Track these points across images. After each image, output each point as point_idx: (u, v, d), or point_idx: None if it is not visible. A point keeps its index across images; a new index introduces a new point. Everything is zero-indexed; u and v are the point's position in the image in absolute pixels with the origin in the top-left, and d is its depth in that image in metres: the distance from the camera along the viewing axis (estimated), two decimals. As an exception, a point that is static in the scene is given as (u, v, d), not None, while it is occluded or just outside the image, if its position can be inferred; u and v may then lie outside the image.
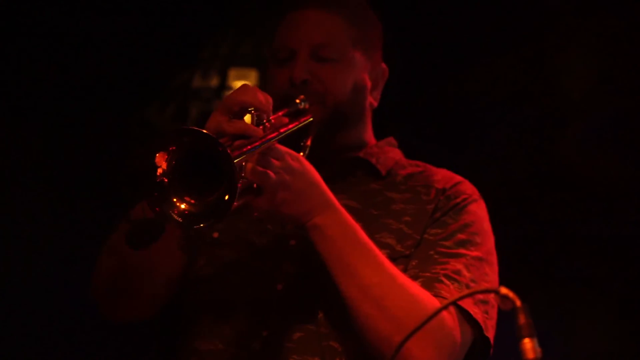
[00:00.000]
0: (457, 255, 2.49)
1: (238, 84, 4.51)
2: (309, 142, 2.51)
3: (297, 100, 2.51)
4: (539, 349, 1.71)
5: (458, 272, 2.45)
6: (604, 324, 5.18)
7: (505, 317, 1.81)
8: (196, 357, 2.53)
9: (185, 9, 4.43)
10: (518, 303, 1.72)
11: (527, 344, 1.70)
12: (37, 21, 4.61)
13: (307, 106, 2.52)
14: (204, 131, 2.17)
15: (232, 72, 4.58)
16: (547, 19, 4.82)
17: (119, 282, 2.52)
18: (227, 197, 2.13)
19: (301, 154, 2.45)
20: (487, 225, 2.62)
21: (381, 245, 2.45)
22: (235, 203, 2.16)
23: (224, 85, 4.61)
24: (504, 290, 1.75)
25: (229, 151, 2.12)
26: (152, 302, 2.57)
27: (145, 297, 2.56)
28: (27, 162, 4.69)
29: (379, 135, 2.77)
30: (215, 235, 2.59)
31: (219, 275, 2.57)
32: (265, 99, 2.33)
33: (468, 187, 2.64)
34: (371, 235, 2.43)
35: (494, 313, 2.48)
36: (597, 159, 4.94)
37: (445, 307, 2.25)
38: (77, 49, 4.55)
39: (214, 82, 4.65)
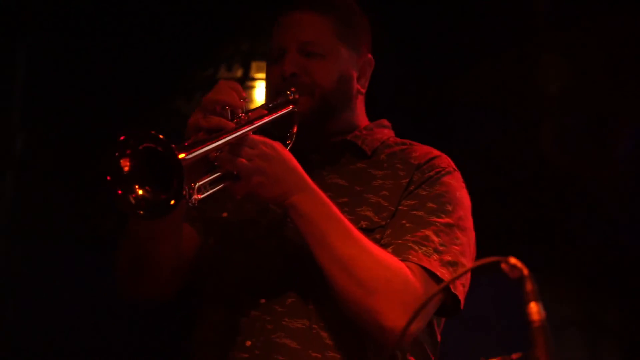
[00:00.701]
0: (427, 223, 2.47)
1: (259, 74, 4.59)
2: (294, 130, 2.53)
3: (288, 92, 2.52)
4: (543, 312, 1.75)
5: (426, 238, 2.43)
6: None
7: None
8: (203, 326, 2.58)
9: (211, 10, 4.43)
10: (525, 271, 1.76)
11: (534, 307, 1.73)
12: (72, 17, 4.58)
13: (297, 97, 2.53)
14: (152, 132, 2.17)
15: (254, 65, 4.59)
16: (529, 27, 4.81)
17: (136, 264, 2.52)
18: (178, 192, 2.15)
19: (288, 142, 2.49)
20: (460, 194, 2.58)
21: (361, 218, 2.48)
22: (211, 190, 2.24)
23: (247, 76, 4.60)
24: (512, 260, 1.77)
25: (175, 152, 2.12)
26: (168, 282, 2.58)
27: (161, 278, 2.56)
28: (56, 155, 4.63)
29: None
30: (225, 215, 2.62)
31: (227, 254, 2.60)
32: (238, 95, 2.37)
33: (443, 161, 2.61)
34: (353, 209, 2.48)
35: (467, 275, 2.45)
36: (571, 151, 4.98)
37: (445, 285, 2.28)
38: (112, 43, 4.52)
39: (238, 73, 4.66)
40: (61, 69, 4.51)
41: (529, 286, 1.76)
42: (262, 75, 4.50)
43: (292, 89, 2.52)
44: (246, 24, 4.63)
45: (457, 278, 1.77)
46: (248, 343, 2.46)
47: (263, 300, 2.49)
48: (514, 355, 1.72)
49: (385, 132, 2.73)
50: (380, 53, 2.78)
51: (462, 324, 4.81)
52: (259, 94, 4.69)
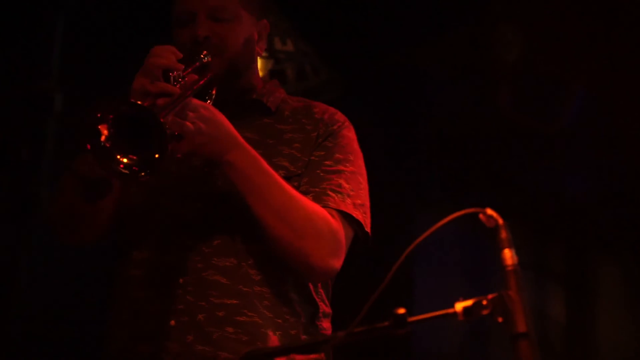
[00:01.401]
0: (337, 172, 2.60)
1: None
2: (214, 92, 2.54)
3: (202, 55, 2.54)
4: (515, 257, 1.78)
5: (339, 185, 2.56)
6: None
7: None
8: (133, 265, 2.57)
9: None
10: (500, 221, 1.80)
11: (507, 253, 1.77)
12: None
13: (209, 59, 2.55)
14: (138, 102, 2.24)
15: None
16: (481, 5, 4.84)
17: (71, 215, 2.57)
18: (161, 150, 2.21)
19: (208, 102, 2.51)
20: (356, 146, 2.71)
21: (278, 167, 2.54)
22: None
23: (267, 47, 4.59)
24: (489, 211, 1.81)
25: (158, 116, 2.19)
26: (98, 228, 2.59)
27: (93, 223, 2.59)
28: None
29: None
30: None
31: (148, 199, 2.61)
32: (176, 58, 2.41)
33: (340, 116, 2.73)
34: (269, 160, 2.52)
35: (369, 212, 2.63)
36: (525, 110, 5.01)
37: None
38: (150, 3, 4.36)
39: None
40: (99, 29, 4.27)
41: (503, 234, 1.80)
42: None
43: (205, 52, 2.54)
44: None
45: (425, 236, 1.78)
46: (181, 280, 2.49)
47: (190, 242, 2.52)
48: (490, 296, 1.76)
49: (281, 90, 2.82)
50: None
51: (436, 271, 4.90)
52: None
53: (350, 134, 2.70)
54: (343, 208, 2.55)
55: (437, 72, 5.15)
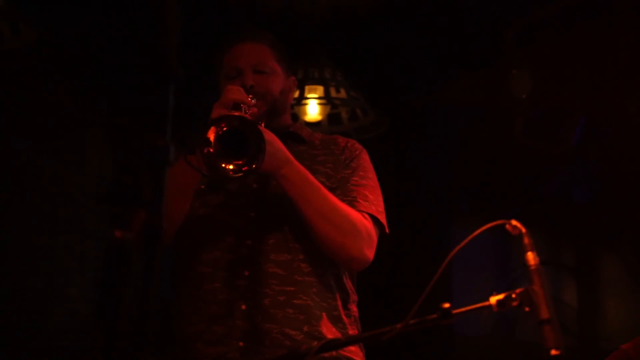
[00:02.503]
0: (362, 185, 2.66)
1: (310, 94, 4.61)
2: (262, 124, 2.55)
3: (249, 98, 2.55)
4: (537, 258, 1.79)
5: (366, 195, 2.62)
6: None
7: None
8: (202, 264, 2.58)
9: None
10: (523, 230, 1.81)
11: (530, 255, 1.78)
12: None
13: (255, 102, 2.57)
14: (247, 117, 2.34)
15: (306, 88, 4.57)
16: (501, 49, 4.82)
17: (173, 200, 2.54)
18: (257, 156, 2.29)
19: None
20: (372, 166, 2.76)
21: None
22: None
23: (302, 96, 4.58)
24: (514, 222, 1.83)
25: (260, 128, 2.30)
26: (173, 232, 2.59)
27: (170, 229, 2.57)
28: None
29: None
30: (202, 187, 2.63)
31: (209, 212, 2.63)
32: (246, 96, 2.49)
33: (359, 145, 2.79)
34: None
35: (385, 219, 2.67)
36: (537, 138, 4.99)
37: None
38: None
39: (296, 94, 4.57)
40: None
41: (526, 240, 1.81)
42: (313, 94, 4.58)
43: (251, 97, 2.56)
44: (300, 57, 4.63)
45: (463, 245, 1.79)
46: (246, 272, 2.52)
47: (249, 242, 2.56)
48: (518, 290, 1.77)
49: (307, 128, 2.89)
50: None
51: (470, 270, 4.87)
52: (310, 108, 4.69)
53: (367, 157, 2.78)
54: (371, 212, 2.60)
55: (466, 109, 5.17)
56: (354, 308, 2.68)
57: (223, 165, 2.29)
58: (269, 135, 2.44)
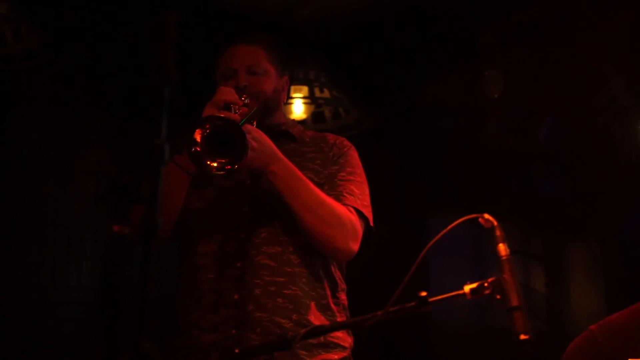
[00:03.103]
0: (349, 181, 2.66)
1: (295, 94, 4.62)
2: (254, 123, 2.56)
3: (243, 98, 2.58)
4: (508, 249, 1.81)
5: (351, 191, 2.63)
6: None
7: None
8: (199, 256, 2.59)
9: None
10: (495, 223, 1.83)
11: (501, 247, 1.80)
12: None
13: (248, 101, 2.58)
14: (230, 117, 2.35)
15: (292, 87, 4.59)
16: (475, 51, 4.83)
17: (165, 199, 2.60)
18: (241, 155, 2.30)
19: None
20: (360, 163, 2.76)
21: (307, 178, 2.57)
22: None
23: (288, 96, 4.60)
24: (486, 215, 1.85)
25: (244, 127, 2.31)
26: (170, 228, 2.59)
27: (167, 225, 2.56)
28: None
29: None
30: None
31: (205, 206, 2.63)
32: (237, 97, 2.50)
33: (347, 142, 2.79)
34: None
35: (371, 213, 2.67)
36: (509, 138, 5.01)
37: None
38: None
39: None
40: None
41: (498, 232, 1.83)
42: (297, 94, 4.59)
43: (244, 97, 2.58)
44: (287, 60, 4.63)
45: (439, 237, 1.80)
46: (239, 264, 2.53)
47: (242, 235, 2.56)
48: (490, 279, 1.78)
49: (299, 125, 2.87)
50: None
51: (446, 259, 4.89)
52: (295, 107, 4.70)
53: (355, 154, 2.77)
54: (356, 206, 2.60)
55: (443, 109, 5.18)
56: (342, 297, 2.69)
57: (208, 162, 2.30)
58: (258, 134, 2.46)
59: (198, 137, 2.29)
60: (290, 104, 4.63)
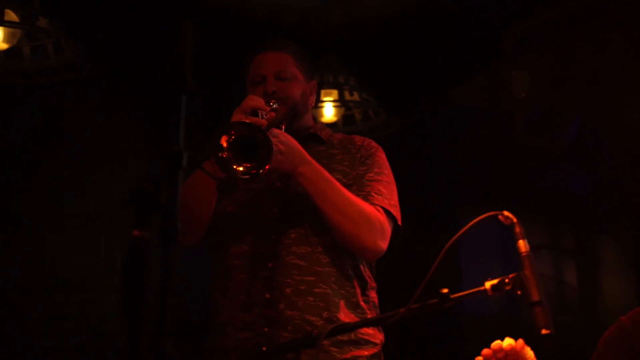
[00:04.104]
0: (377, 181, 2.63)
1: (325, 98, 4.61)
2: (283, 127, 2.55)
3: (271, 103, 2.56)
4: (528, 246, 1.78)
5: (379, 191, 2.60)
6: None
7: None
8: (232, 257, 2.59)
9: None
10: (515, 220, 1.80)
11: (521, 243, 1.77)
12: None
13: (276, 107, 2.56)
14: (256, 123, 2.32)
15: (322, 92, 4.56)
16: (501, 53, 4.80)
17: (188, 220, 2.54)
18: (266, 159, 2.27)
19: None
20: (387, 164, 2.73)
21: (335, 179, 2.55)
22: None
23: (318, 99, 4.56)
24: (506, 212, 1.81)
25: (268, 135, 2.28)
26: (202, 232, 2.62)
27: (199, 229, 2.61)
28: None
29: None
30: None
31: (237, 209, 2.64)
32: (264, 102, 2.48)
33: (374, 143, 2.76)
34: None
35: (399, 212, 2.64)
36: (537, 137, 4.97)
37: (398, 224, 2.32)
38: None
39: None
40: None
41: (517, 229, 1.79)
42: (328, 98, 4.58)
43: (273, 102, 2.56)
44: (317, 65, 4.63)
45: (459, 235, 1.77)
46: (270, 264, 2.52)
47: (273, 237, 2.55)
48: (510, 275, 1.75)
49: (327, 128, 2.84)
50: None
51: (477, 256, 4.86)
52: (326, 110, 4.69)
53: (382, 155, 2.74)
54: (384, 205, 2.58)
55: (473, 110, 5.14)
56: (372, 294, 2.67)
57: (234, 167, 2.29)
58: (285, 137, 2.45)
59: (224, 143, 2.28)
60: (321, 107, 4.62)
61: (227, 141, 2.28)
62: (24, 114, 4.20)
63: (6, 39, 3.29)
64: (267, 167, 2.28)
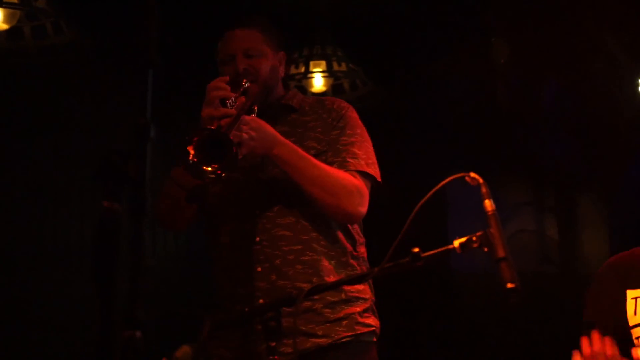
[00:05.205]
0: (350, 143, 2.56)
1: (315, 69, 4.57)
2: (255, 108, 2.51)
3: (243, 82, 2.51)
4: (493, 205, 1.73)
5: (354, 154, 2.53)
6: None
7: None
8: (222, 235, 2.58)
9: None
10: (481, 181, 1.75)
11: (487, 202, 1.72)
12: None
13: (249, 84, 2.52)
14: (212, 128, 2.27)
15: (311, 63, 4.53)
16: (485, 24, 4.75)
17: (174, 208, 2.56)
18: (232, 156, 2.22)
19: (253, 115, 2.47)
20: (359, 122, 2.64)
21: (309, 148, 2.51)
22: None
23: (307, 70, 4.54)
24: (472, 174, 1.77)
25: (229, 135, 2.23)
26: (191, 217, 2.61)
27: (188, 216, 2.60)
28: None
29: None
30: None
31: (223, 189, 2.60)
32: (229, 90, 2.41)
33: (344, 103, 2.67)
34: (301, 143, 2.51)
35: (377, 167, 2.58)
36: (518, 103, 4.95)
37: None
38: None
39: (302, 69, 4.55)
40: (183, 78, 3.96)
41: (483, 189, 1.74)
42: (318, 68, 4.54)
43: (244, 80, 2.50)
44: (305, 38, 4.58)
45: (429, 196, 1.73)
46: (257, 239, 2.49)
47: (258, 212, 2.51)
48: (478, 233, 1.72)
49: (300, 94, 2.75)
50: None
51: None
52: (315, 81, 4.66)
53: (354, 114, 2.65)
54: (360, 168, 2.52)
55: (453, 77, 5.09)
56: (362, 250, 2.63)
57: (204, 168, 2.25)
58: (256, 123, 2.39)
59: (191, 150, 2.24)
60: (311, 77, 4.59)
61: (193, 147, 2.23)
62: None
63: (6, 20, 3.23)
64: (234, 164, 2.24)
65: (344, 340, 2.46)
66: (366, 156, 2.58)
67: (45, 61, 3.43)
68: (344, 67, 4.53)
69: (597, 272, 2.51)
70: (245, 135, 2.33)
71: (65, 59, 3.51)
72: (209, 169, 2.24)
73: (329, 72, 4.53)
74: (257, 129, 2.38)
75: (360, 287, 2.54)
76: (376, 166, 2.61)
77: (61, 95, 4.16)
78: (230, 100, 2.39)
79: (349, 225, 2.59)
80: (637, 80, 4.40)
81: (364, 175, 2.54)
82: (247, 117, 2.39)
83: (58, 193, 4.19)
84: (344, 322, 2.47)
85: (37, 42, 3.45)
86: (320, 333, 2.44)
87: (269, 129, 2.42)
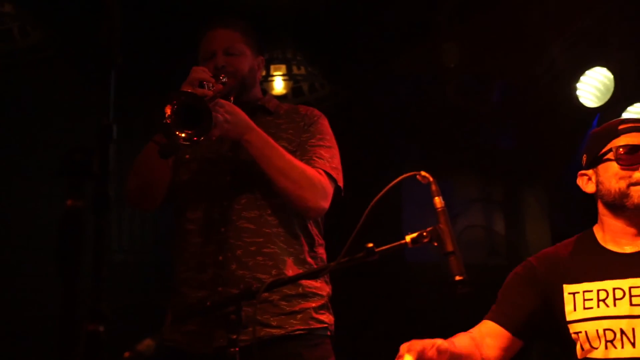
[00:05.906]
0: (318, 146, 2.60)
1: (275, 72, 4.56)
2: (232, 99, 2.52)
3: (221, 77, 2.53)
4: (443, 202, 1.75)
5: (320, 155, 2.57)
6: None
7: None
8: (188, 222, 2.56)
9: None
10: (431, 179, 1.77)
11: (437, 199, 1.75)
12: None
13: (226, 80, 2.53)
14: (195, 92, 2.29)
15: (271, 67, 4.54)
16: (435, 26, 4.75)
17: (144, 187, 2.55)
18: (207, 127, 2.25)
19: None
20: (329, 130, 2.69)
21: (281, 147, 2.52)
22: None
23: (268, 74, 4.54)
24: (423, 172, 1.79)
25: (205, 101, 2.26)
26: (159, 197, 2.58)
27: (155, 195, 2.58)
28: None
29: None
30: (187, 157, 2.62)
31: (193, 178, 2.60)
32: (209, 74, 2.43)
33: (317, 112, 2.71)
34: (274, 141, 2.52)
35: (341, 174, 2.62)
36: (467, 101, 4.96)
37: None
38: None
39: (263, 73, 4.56)
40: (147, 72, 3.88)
41: (433, 187, 1.77)
42: (278, 72, 4.53)
43: (222, 75, 2.52)
44: (266, 42, 4.55)
45: (382, 194, 1.74)
46: (222, 229, 2.48)
47: (225, 203, 2.51)
48: (428, 229, 1.73)
49: (275, 100, 2.78)
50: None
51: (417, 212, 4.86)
52: (276, 84, 4.65)
53: (325, 122, 2.69)
54: (325, 168, 2.54)
55: (409, 78, 5.10)
56: (320, 250, 2.65)
57: (177, 132, 2.24)
58: (231, 107, 2.41)
59: (168, 111, 2.23)
60: (272, 81, 4.60)
61: (171, 109, 2.23)
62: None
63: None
64: (207, 134, 2.23)
65: (297, 332, 2.47)
66: (331, 160, 2.61)
67: (11, 63, 3.36)
68: (303, 70, 4.55)
69: (525, 262, 2.41)
70: (220, 117, 2.34)
71: (31, 60, 3.44)
72: (182, 134, 2.23)
73: (289, 76, 4.55)
74: (232, 112, 2.39)
75: (317, 283, 2.55)
76: (340, 173, 2.63)
77: (29, 97, 4.07)
78: (209, 84, 2.39)
79: (309, 225, 2.60)
80: (574, 84, 4.46)
81: (329, 175, 2.57)
82: (223, 101, 2.40)
83: (22, 191, 4.11)
84: (299, 316, 2.48)
85: (3, 45, 3.39)
86: (274, 324, 2.44)
87: (244, 115, 2.43)
